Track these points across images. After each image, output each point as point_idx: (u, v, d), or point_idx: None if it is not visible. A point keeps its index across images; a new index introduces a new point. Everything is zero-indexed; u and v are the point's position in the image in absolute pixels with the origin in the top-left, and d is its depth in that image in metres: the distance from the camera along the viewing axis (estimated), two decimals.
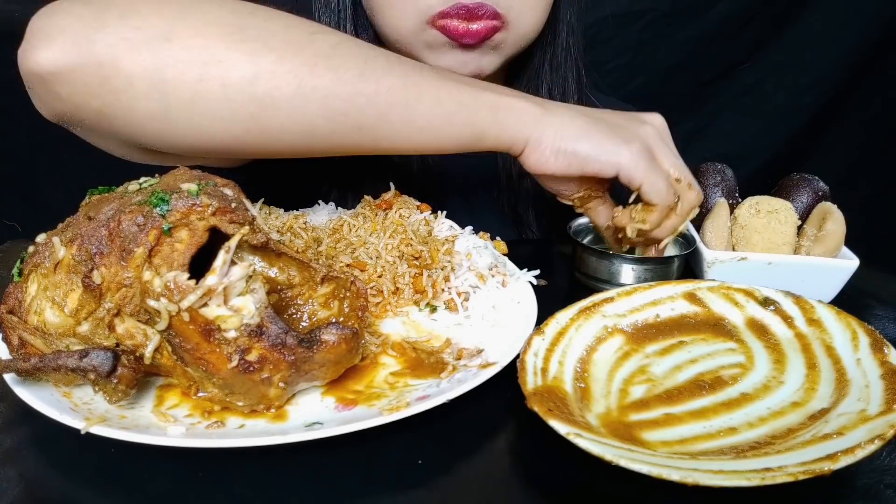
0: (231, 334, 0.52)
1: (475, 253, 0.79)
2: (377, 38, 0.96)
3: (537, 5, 0.90)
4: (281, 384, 0.54)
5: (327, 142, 0.68)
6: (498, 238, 0.88)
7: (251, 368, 0.52)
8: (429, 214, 0.84)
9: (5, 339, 0.58)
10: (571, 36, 1.01)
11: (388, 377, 0.61)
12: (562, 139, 0.72)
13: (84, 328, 0.56)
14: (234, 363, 0.52)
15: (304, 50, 0.64)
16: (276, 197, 0.89)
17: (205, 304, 0.51)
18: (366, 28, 0.97)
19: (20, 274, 0.59)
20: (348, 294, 0.63)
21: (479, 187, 1.07)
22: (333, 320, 0.62)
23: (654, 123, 0.78)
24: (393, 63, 0.69)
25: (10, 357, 0.57)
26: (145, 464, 0.51)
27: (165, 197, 0.54)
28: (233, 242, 0.53)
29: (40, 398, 0.54)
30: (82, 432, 0.50)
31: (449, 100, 0.69)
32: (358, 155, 0.72)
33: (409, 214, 0.82)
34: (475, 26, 0.84)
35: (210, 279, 0.51)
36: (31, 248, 0.59)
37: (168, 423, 0.54)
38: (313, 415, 0.56)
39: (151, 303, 0.51)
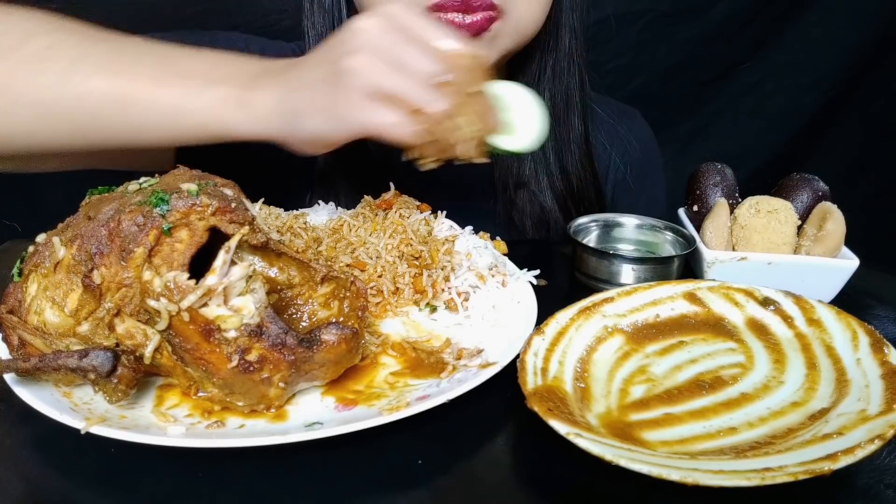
0: (231, 334, 0.52)
1: (475, 253, 0.79)
2: None
3: (533, 2, 0.89)
4: (281, 384, 0.54)
5: (59, 142, 0.70)
6: (498, 238, 0.88)
7: (251, 368, 0.52)
8: (429, 214, 0.84)
9: (5, 339, 0.58)
10: (575, 41, 1.00)
11: (388, 377, 0.61)
12: (293, 132, 0.66)
13: (84, 328, 0.56)
14: (234, 363, 0.52)
15: (12, 55, 0.66)
16: (275, 197, 0.89)
17: (205, 304, 0.51)
18: None
19: (20, 274, 0.59)
20: (348, 294, 0.63)
21: (474, 195, 1.07)
22: (333, 320, 0.62)
23: (357, 44, 0.62)
24: (108, 59, 0.68)
25: (10, 357, 0.57)
26: (145, 464, 0.51)
27: (165, 197, 0.54)
28: (233, 242, 0.53)
29: (40, 398, 0.54)
30: (82, 432, 0.50)
31: (167, 100, 0.67)
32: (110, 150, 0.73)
33: (409, 214, 0.82)
34: (470, 19, 0.84)
35: (210, 279, 0.51)
36: (30, 248, 0.59)
37: (168, 423, 0.54)
38: (313, 415, 0.56)
39: (151, 303, 0.51)
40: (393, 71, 0.61)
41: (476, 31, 0.85)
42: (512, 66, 1.02)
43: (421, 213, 0.84)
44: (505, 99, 0.69)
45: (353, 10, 0.95)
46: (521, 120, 0.69)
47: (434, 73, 0.62)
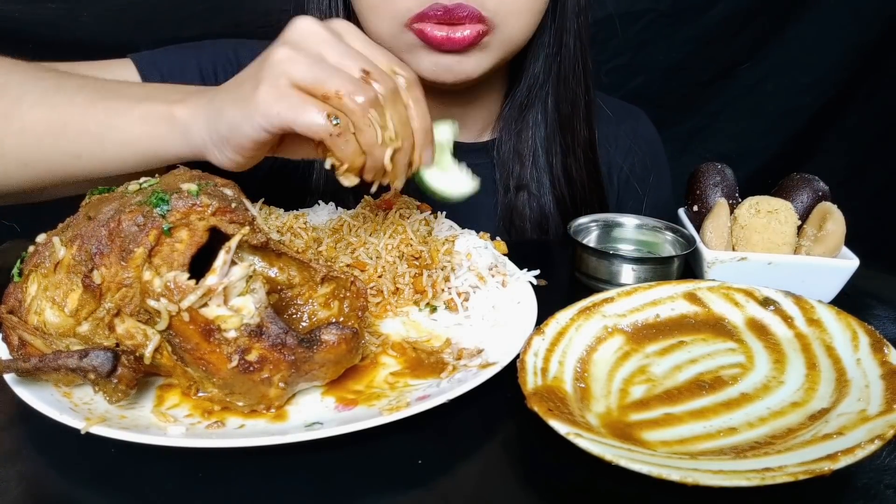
0: (231, 334, 0.52)
1: (475, 253, 0.79)
2: None
3: (525, 10, 0.88)
4: (281, 384, 0.54)
5: (8, 178, 0.73)
6: (498, 238, 0.88)
7: (251, 368, 0.52)
8: (429, 214, 0.84)
9: (5, 339, 0.58)
10: (580, 45, 0.99)
11: (388, 377, 0.61)
12: (210, 132, 0.63)
13: (84, 328, 0.56)
14: (234, 363, 0.52)
15: None
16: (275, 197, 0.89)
17: (205, 305, 0.51)
18: None
19: (20, 274, 0.59)
20: (348, 294, 0.63)
21: (474, 196, 1.06)
22: (333, 320, 0.62)
23: (289, 40, 0.60)
24: (47, 94, 0.71)
25: (10, 357, 0.57)
26: (145, 464, 0.51)
27: (165, 197, 0.54)
28: (233, 242, 0.53)
29: (40, 398, 0.54)
30: (82, 432, 0.50)
31: (95, 124, 0.68)
32: (65, 184, 0.73)
33: (409, 214, 0.82)
34: (459, 35, 0.83)
35: (210, 279, 0.51)
36: (30, 248, 0.59)
37: (168, 423, 0.54)
38: (313, 415, 0.56)
39: (151, 303, 0.51)
40: (314, 62, 0.58)
41: (465, 46, 0.84)
42: (516, 71, 1.02)
43: (421, 212, 0.84)
44: (444, 143, 0.68)
45: (351, 11, 0.95)
46: (455, 168, 0.67)
47: (357, 67, 0.59)
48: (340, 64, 0.59)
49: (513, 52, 0.92)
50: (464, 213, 1.05)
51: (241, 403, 0.55)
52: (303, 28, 0.61)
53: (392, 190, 0.87)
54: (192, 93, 0.68)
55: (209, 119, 0.63)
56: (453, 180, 0.64)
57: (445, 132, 0.69)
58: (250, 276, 0.53)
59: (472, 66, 0.88)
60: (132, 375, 0.54)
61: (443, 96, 1.02)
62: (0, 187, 0.74)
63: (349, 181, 0.62)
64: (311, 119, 0.57)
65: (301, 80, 0.58)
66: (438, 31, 0.83)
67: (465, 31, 0.83)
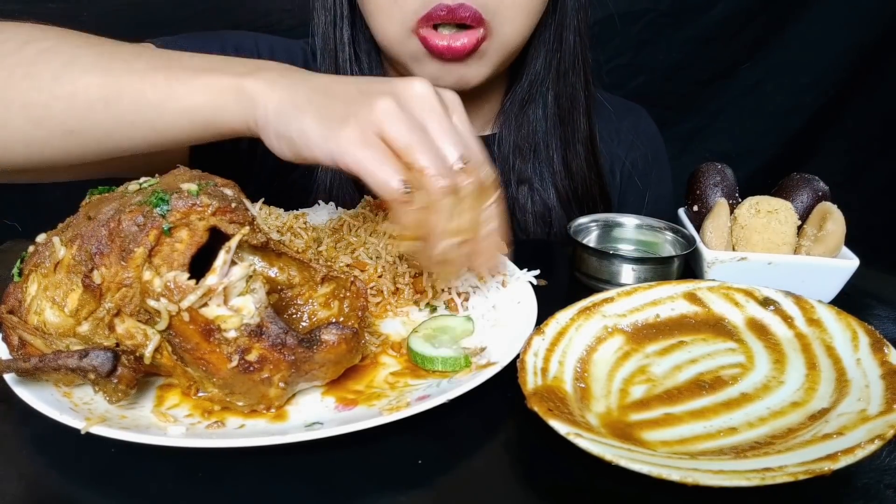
0: (231, 334, 0.52)
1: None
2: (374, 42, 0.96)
3: (522, 13, 0.89)
4: (281, 384, 0.54)
5: (50, 149, 0.70)
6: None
7: (251, 368, 0.52)
8: None
9: (5, 339, 0.58)
10: (579, 41, 1.00)
11: (388, 377, 0.61)
12: (279, 121, 0.61)
13: (84, 328, 0.56)
14: (234, 363, 0.52)
15: (8, 59, 0.67)
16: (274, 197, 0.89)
17: (205, 304, 0.51)
18: (361, 30, 0.97)
19: (20, 274, 0.59)
20: (348, 294, 0.63)
21: None
22: (333, 320, 0.62)
23: (399, 94, 0.60)
24: (102, 58, 0.67)
25: (10, 357, 0.57)
26: (145, 464, 0.51)
27: (165, 197, 0.54)
28: (233, 242, 0.53)
29: (40, 398, 0.54)
30: (82, 432, 0.50)
31: (154, 91, 0.65)
32: (108, 157, 0.71)
33: None
34: (459, 43, 0.84)
35: (210, 279, 0.51)
36: (30, 248, 0.59)
37: (168, 423, 0.54)
38: (313, 415, 0.56)
39: (151, 303, 0.51)
40: (414, 128, 0.58)
41: (466, 53, 0.85)
42: (517, 67, 1.02)
43: None
44: (452, 326, 0.68)
45: (355, 8, 0.95)
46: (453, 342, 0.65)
47: (456, 154, 0.59)
48: (440, 141, 0.59)
49: (510, 55, 0.93)
50: None
51: (240, 403, 0.55)
52: (416, 90, 0.60)
53: None
54: (262, 67, 0.65)
55: (283, 107, 0.61)
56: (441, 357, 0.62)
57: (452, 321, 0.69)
58: (250, 276, 0.53)
59: (472, 73, 0.90)
60: (132, 375, 0.54)
61: None
62: (37, 159, 0.71)
63: (403, 247, 0.62)
64: (386, 178, 0.57)
65: (394, 140, 0.58)
66: (440, 41, 0.85)
67: (463, 40, 0.84)
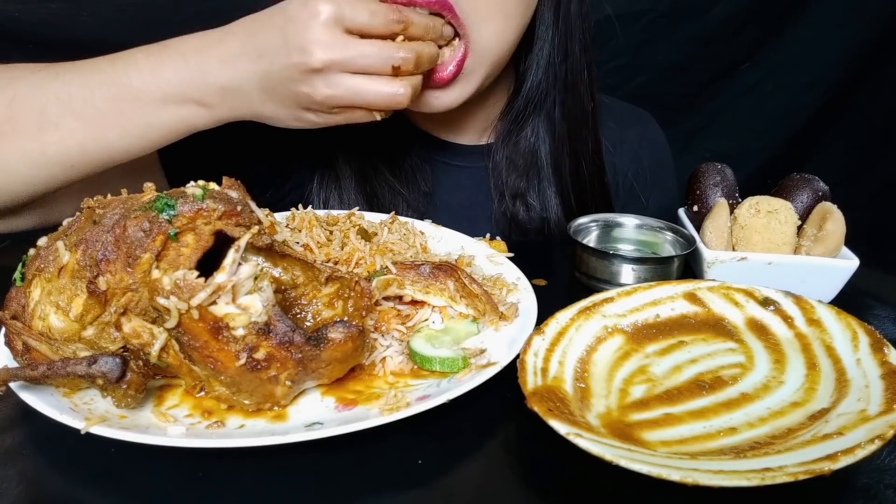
0: (239, 332, 0.51)
1: (475, 249, 0.78)
2: None
3: (495, 16, 0.85)
4: (288, 382, 0.54)
5: (58, 180, 0.79)
6: (498, 238, 0.88)
7: (259, 366, 0.52)
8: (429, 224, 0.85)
9: (9, 345, 0.58)
10: (585, 54, 0.99)
11: (388, 377, 0.61)
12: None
13: (89, 332, 0.56)
14: (243, 361, 0.52)
15: None
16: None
17: (213, 303, 0.51)
18: None
19: (22, 278, 0.58)
20: (352, 294, 0.62)
21: (476, 196, 1.07)
22: (338, 319, 0.62)
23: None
24: (72, 101, 0.75)
25: (17, 365, 0.57)
26: (145, 464, 0.51)
27: (171, 202, 0.54)
28: (242, 241, 0.53)
29: (41, 399, 0.54)
30: (82, 432, 0.50)
31: (135, 115, 0.76)
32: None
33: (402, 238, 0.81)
34: (446, 73, 0.83)
35: (219, 277, 0.51)
36: (31, 252, 0.59)
37: (168, 423, 0.54)
38: (313, 415, 0.56)
39: (161, 301, 0.50)
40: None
41: (449, 80, 0.84)
42: (521, 78, 1.02)
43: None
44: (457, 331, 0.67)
45: None
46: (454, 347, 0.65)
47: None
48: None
49: (497, 65, 0.90)
50: (464, 215, 1.05)
51: (247, 402, 0.55)
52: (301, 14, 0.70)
53: (391, 214, 0.86)
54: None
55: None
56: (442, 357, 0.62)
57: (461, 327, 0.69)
58: (258, 275, 0.53)
59: (455, 95, 0.88)
60: (141, 381, 0.54)
61: None
62: (45, 189, 0.80)
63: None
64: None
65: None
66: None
67: (450, 68, 0.83)
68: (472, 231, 0.87)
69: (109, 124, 0.75)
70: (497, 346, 0.64)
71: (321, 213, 0.82)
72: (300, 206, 0.84)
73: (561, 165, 1.02)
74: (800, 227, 0.81)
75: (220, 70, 0.73)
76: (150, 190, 0.58)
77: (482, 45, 0.85)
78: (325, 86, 0.70)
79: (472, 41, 0.84)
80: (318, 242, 0.75)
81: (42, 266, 0.57)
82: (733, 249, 0.82)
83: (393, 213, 0.85)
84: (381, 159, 1.00)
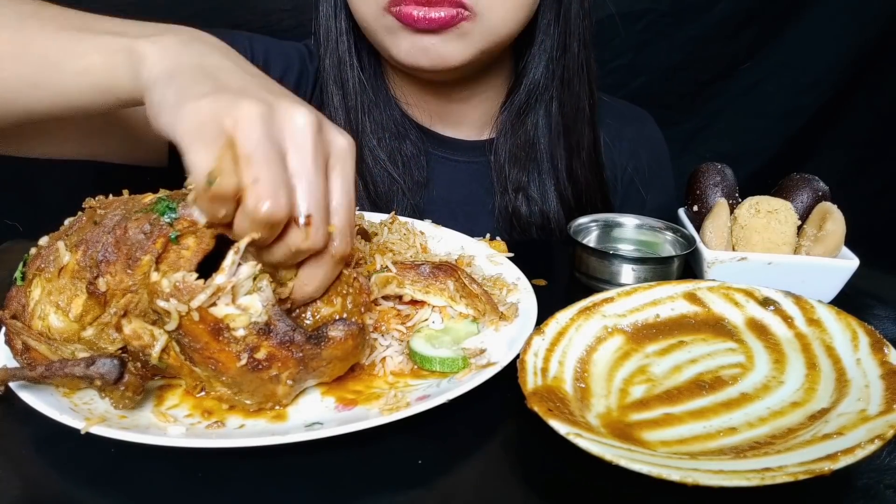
0: (240, 333, 0.52)
1: (474, 250, 0.78)
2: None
3: (509, 1, 0.87)
4: (289, 381, 0.54)
5: None
6: (497, 238, 0.88)
7: (260, 366, 0.52)
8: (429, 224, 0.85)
9: (9, 344, 0.58)
10: (583, 49, 0.99)
11: (388, 377, 0.61)
12: (154, 88, 0.56)
13: (88, 333, 0.56)
14: (244, 361, 0.52)
15: None
16: None
17: (213, 304, 0.51)
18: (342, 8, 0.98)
19: (23, 278, 0.58)
20: (351, 290, 0.62)
21: (475, 195, 1.07)
22: (338, 317, 0.62)
23: (276, 109, 0.51)
24: (20, 17, 0.65)
25: (16, 365, 0.57)
26: (145, 464, 0.51)
27: (172, 205, 0.54)
28: (243, 244, 0.53)
29: (41, 399, 0.54)
30: (82, 432, 0.50)
31: (56, 50, 0.62)
32: (24, 122, 0.68)
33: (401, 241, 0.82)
34: (435, 14, 0.83)
35: (219, 278, 0.51)
36: (32, 251, 0.59)
37: (168, 423, 0.54)
38: (313, 415, 0.56)
39: (161, 303, 0.50)
40: (270, 146, 0.50)
41: (440, 27, 0.84)
42: (520, 74, 1.02)
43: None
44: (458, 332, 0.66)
45: None
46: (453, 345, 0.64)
47: (302, 202, 0.52)
48: (294, 179, 0.51)
49: (497, 44, 0.92)
50: (464, 211, 1.05)
51: (249, 402, 0.55)
52: (296, 118, 0.52)
53: (391, 214, 0.85)
54: (166, 31, 0.62)
55: (161, 74, 0.56)
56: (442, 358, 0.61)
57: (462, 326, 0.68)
58: (257, 275, 0.53)
59: (449, 51, 0.88)
60: (139, 382, 0.54)
61: (441, 91, 1.02)
62: None
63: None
64: (199, 159, 0.49)
65: (240, 143, 0.50)
66: (416, 11, 0.84)
67: (440, 12, 0.83)
68: (472, 227, 0.87)
69: (39, 50, 0.63)
70: (497, 346, 0.64)
71: None
72: None
73: (557, 159, 1.03)
74: (800, 227, 0.81)
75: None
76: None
77: (489, 22, 0.87)
78: None
79: (478, 14, 0.85)
80: None
81: (43, 266, 0.57)
82: (733, 249, 0.82)
83: (393, 212, 0.86)
84: (380, 148, 1.01)
